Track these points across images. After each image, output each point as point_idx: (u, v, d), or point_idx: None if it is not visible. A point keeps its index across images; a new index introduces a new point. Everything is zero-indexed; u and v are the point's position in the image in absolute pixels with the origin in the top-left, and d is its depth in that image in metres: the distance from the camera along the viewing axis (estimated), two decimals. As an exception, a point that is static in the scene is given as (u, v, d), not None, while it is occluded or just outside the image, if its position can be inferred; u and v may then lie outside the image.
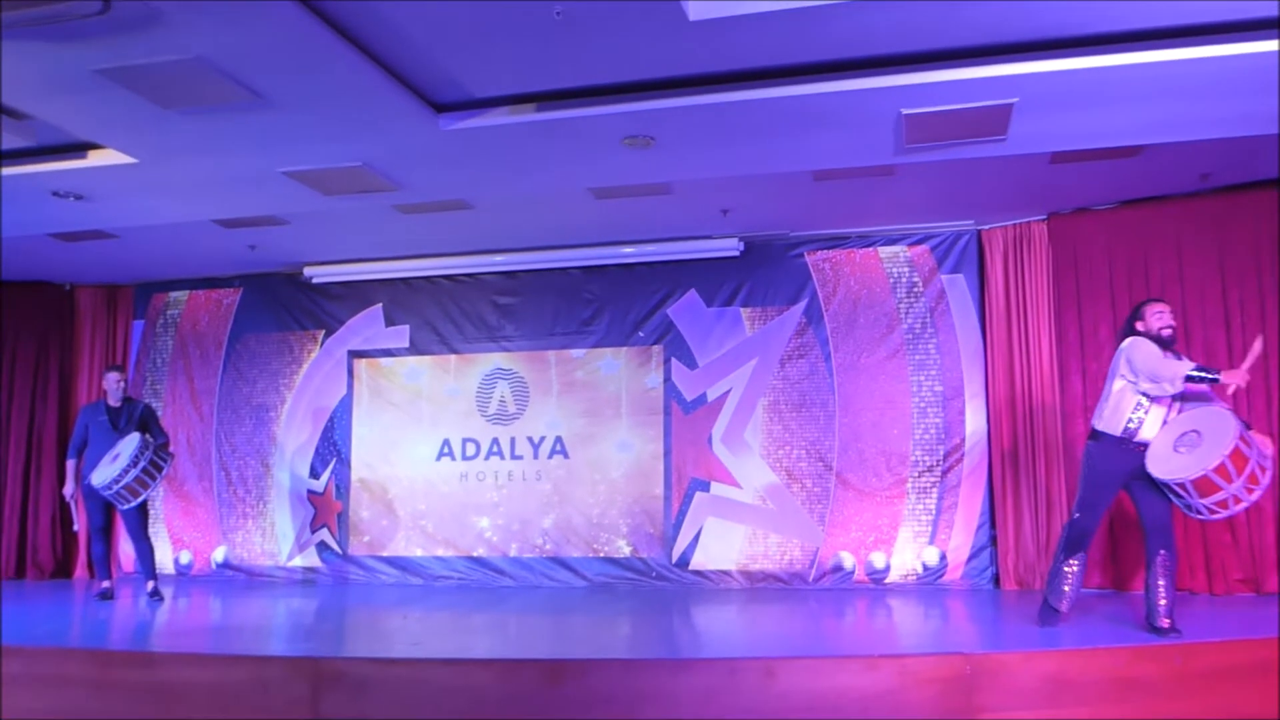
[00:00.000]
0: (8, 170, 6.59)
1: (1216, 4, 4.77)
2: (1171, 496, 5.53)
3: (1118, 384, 5.70)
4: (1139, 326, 5.73)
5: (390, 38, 5.03)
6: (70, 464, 8.13)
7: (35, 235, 8.22)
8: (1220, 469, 5.24)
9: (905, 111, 5.72)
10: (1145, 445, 5.60)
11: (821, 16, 4.75)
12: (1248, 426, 5.42)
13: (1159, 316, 5.69)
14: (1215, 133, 6.15)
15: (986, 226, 8.40)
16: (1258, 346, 5.56)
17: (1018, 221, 8.28)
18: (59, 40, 4.76)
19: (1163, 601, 5.54)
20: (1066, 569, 5.82)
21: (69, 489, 8.11)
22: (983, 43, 5.15)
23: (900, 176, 7.17)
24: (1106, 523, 7.24)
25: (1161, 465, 5.47)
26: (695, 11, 4.73)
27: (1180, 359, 5.60)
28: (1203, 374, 5.43)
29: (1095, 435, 5.80)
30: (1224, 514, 5.45)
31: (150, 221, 7.83)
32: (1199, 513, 5.46)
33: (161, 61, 4.98)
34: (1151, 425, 5.61)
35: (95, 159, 6.52)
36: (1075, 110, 5.76)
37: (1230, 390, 5.56)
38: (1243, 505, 5.39)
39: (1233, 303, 7.42)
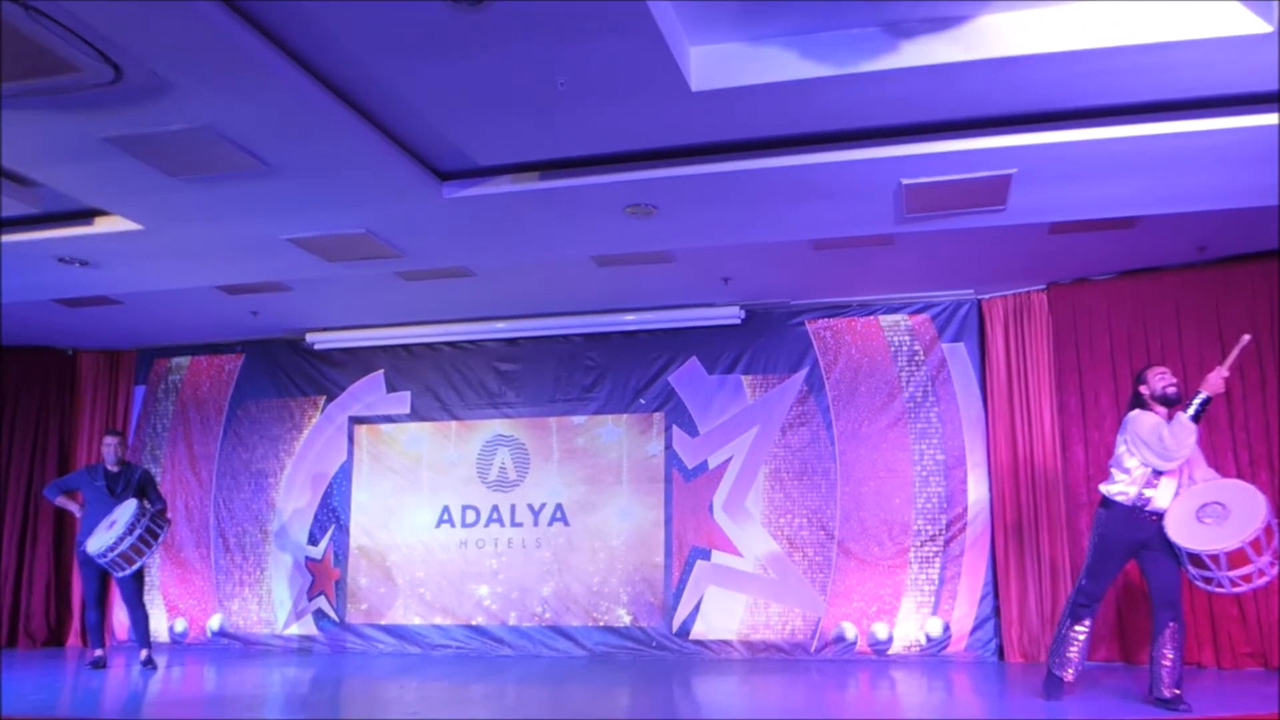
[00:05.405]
0: (14, 237, 6.64)
1: (1210, 78, 4.83)
2: (1190, 567, 5.45)
3: (1127, 454, 5.66)
4: (1143, 391, 5.72)
5: (395, 107, 5.10)
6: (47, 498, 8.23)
7: (39, 300, 8.26)
8: (1253, 542, 5.22)
9: (905, 181, 5.78)
10: (1158, 514, 5.55)
11: (822, 88, 4.83)
12: None
13: (1160, 378, 5.70)
14: (1211, 205, 6.21)
15: (987, 295, 8.45)
16: (1245, 340, 5.57)
17: (1018, 291, 8.32)
18: (68, 109, 4.82)
19: (1169, 672, 5.46)
20: (1072, 635, 5.73)
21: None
22: (981, 115, 5.22)
23: (900, 246, 7.22)
24: (1113, 594, 7.16)
25: (1185, 533, 5.40)
26: (698, 82, 4.80)
27: (1178, 416, 5.53)
28: (1199, 408, 5.43)
29: (1106, 503, 5.72)
30: (1246, 587, 5.40)
31: (154, 287, 7.88)
32: (1220, 585, 5.39)
33: (169, 130, 5.04)
34: (1164, 494, 5.56)
35: (101, 225, 6.58)
36: (1073, 181, 5.83)
37: (1221, 377, 5.49)
38: (1265, 580, 5.36)
39: (1232, 372, 7.40)
